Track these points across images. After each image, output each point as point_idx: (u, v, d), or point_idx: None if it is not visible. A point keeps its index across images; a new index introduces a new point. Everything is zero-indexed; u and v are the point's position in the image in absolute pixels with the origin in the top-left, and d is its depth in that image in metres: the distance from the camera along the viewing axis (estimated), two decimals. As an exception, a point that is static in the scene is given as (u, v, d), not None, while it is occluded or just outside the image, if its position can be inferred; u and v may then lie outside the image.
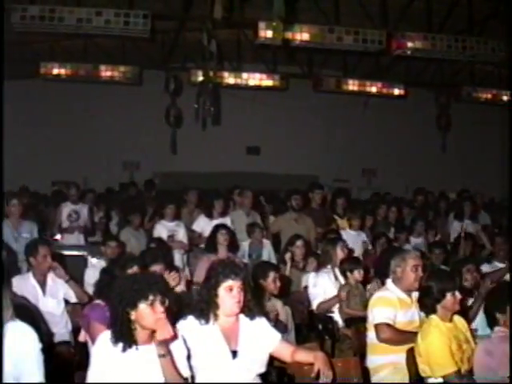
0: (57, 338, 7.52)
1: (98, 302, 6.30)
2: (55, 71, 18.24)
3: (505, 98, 19.22)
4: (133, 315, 4.60)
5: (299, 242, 9.73)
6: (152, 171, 20.72)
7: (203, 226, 11.31)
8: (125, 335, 4.64)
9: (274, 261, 9.91)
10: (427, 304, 5.96)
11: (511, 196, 12.65)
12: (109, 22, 13.53)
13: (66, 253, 9.90)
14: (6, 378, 4.54)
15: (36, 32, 14.56)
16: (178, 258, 10.84)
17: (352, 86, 19.37)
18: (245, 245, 10.78)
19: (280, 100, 20.72)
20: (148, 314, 4.59)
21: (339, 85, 19.33)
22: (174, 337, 4.73)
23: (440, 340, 5.67)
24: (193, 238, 11.51)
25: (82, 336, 6.61)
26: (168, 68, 19.72)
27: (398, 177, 21.60)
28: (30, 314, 6.28)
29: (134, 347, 4.66)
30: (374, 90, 19.60)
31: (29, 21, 13.34)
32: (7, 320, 4.57)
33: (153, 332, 4.65)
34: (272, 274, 7.47)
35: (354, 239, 10.93)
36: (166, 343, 4.64)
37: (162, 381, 4.63)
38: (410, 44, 14.43)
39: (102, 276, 6.71)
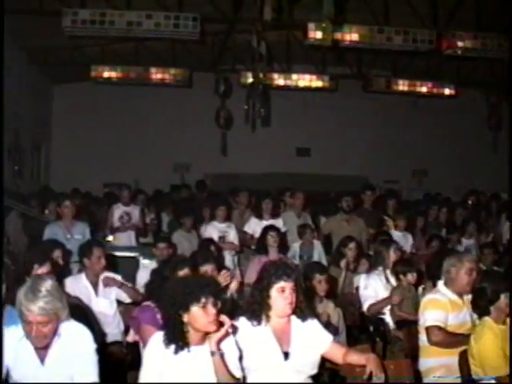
0: (109, 339, 7.59)
1: (147, 303, 6.33)
2: (106, 74, 18.47)
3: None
4: (185, 318, 4.63)
5: (352, 245, 9.67)
6: (202, 173, 20.77)
7: (254, 227, 11.32)
8: (177, 337, 4.67)
9: (324, 262, 9.86)
10: (480, 305, 5.90)
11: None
12: (159, 25, 13.64)
13: (118, 254, 9.99)
14: (55, 378, 4.60)
15: (87, 36, 14.73)
16: (229, 259, 10.86)
17: (402, 86, 19.31)
18: (296, 246, 10.78)
19: (329, 101, 20.69)
20: (200, 316, 4.61)
21: (389, 85, 19.28)
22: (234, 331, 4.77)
23: (494, 342, 5.61)
24: (244, 239, 11.53)
25: (131, 337, 6.68)
26: (218, 70, 19.82)
27: (448, 177, 21.39)
28: (83, 314, 6.36)
29: (186, 349, 4.69)
30: (424, 90, 19.51)
31: (80, 25, 13.51)
32: (63, 320, 4.64)
33: (206, 333, 4.67)
34: (317, 276, 7.47)
35: (400, 240, 10.84)
36: (219, 342, 4.67)
37: (215, 381, 4.66)
38: (460, 43, 14.34)
39: (152, 277, 6.74)
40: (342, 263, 9.39)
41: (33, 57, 19.38)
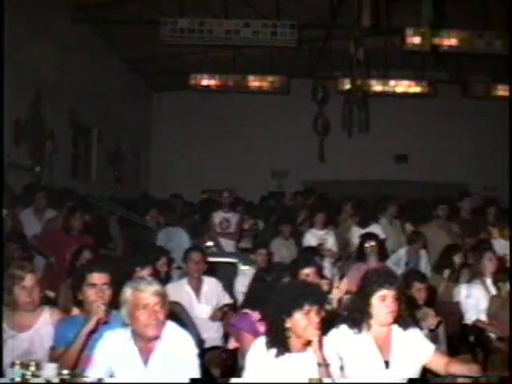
0: (209, 343, 7.66)
1: (245, 311, 6.37)
2: (204, 82, 18.73)
3: None
4: (288, 323, 4.67)
5: (459, 253, 9.56)
6: (300, 180, 20.83)
7: (352, 234, 11.31)
8: (279, 342, 4.71)
9: (428, 272, 9.74)
10: None
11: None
12: (257, 33, 13.79)
13: (217, 260, 10.07)
14: (157, 381, 4.69)
15: (185, 44, 14.97)
16: (328, 266, 10.84)
17: (502, 91, 18.95)
18: (402, 252, 10.67)
19: (428, 106, 20.50)
20: (303, 323, 4.63)
21: (488, 90, 18.98)
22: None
23: None
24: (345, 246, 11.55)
25: (232, 345, 6.73)
26: (315, 76, 19.86)
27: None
28: (183, 319, 6.48)
29: (287, 354, 4.72)
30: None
31: (178, 34, 13.77)
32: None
33: (307, 341, 4.69)
34: (417, 285, 7.42)
35: (507, 249, 10.63)
36: (323, 352, 4.67)
37: None
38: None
39: (252, 284, 6.79)
40: (446, 272, 9.30)
41: (132, 66, 19.77)
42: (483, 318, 7.93)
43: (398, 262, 10.44)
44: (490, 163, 21.54)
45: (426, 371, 5.37)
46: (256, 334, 5.45)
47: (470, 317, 8.04)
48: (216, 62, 19.11)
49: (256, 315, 6.02)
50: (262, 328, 5.57)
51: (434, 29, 13.53)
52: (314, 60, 19.07)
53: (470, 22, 14.93)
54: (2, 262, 6.95)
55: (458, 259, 9.45)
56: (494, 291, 8.06)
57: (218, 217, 12.45)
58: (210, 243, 11.99)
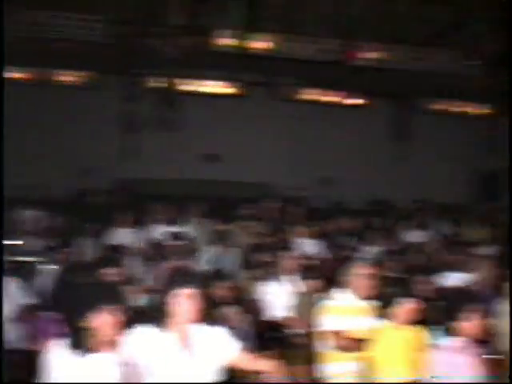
0: (11, 345, 7.45)
1: (44, 313, 6.26)
2: (13, 75, 18.16)
3: (467, 109, 19.72)
4: (87, 323, 4.61)
5: (265, 252, 9.75)
6: (109, 178, 20.56)
7: (159, 233, 11.32)
8: (79, 342, 4.65)
9: (234, 270, 9.89)
10: (381, 311, 5.99)
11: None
12: (67, 27, 13.53)
13: (21, 259, 9.84)
14: None
15: (-9, 35, 14.48)
16: (136, 265, 10.80)
17: (310, 95, 19.52)
18: (210, 251, 10.77)
19: (239, 107, 20.73)
20: (100, 323, 4.60)
21: (298, 94, 19.49)
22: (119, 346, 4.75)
23: (386, 347, 5.71)
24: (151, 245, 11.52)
25: (34, 346, 6.61)
26: (126, 73, 19.68)
27: (353, 186, 21.58)
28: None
29: (88, 354, 4.66)
30: (332, 99, 19.75)
31: (-17, 24, 13.32)
32: None
33: (109, 340, 4.65)
34: (220, 283, 7.52)
35: (310, 248, 10.95)
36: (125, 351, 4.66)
37: None
38: (365, 54, 14.61)
39: (54, 284, 6.67)
40: (250, 270, 9.47)
41: None
42: (285, 314, 8.12)
43: (204, 260, 10.54)
44: (297, 164, 22.08)
45: (230, 368, 5.45)
46: (56, 336, 5.36)
47: (271, 313, 8.23)
48: (25, 55, 18.59)
49: (56, 316, 5.93)
50: (62, 329, 5.48)
51: (247, 31, 13.76)
52: (125, 57, 18.89)
53: (282, 26, 15.25)
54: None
55: (261, 258, 9.66)
56: (293, 288, 8.28)
57: (23, 214, 12.16)
58: (13, 242, 11.70)
